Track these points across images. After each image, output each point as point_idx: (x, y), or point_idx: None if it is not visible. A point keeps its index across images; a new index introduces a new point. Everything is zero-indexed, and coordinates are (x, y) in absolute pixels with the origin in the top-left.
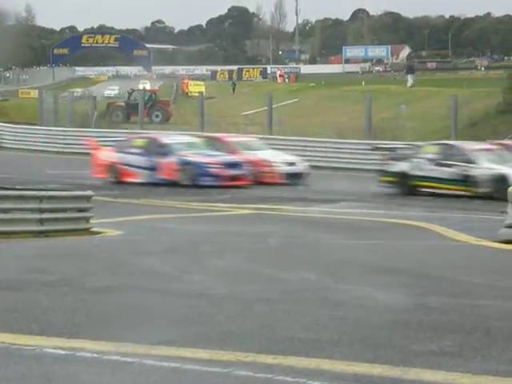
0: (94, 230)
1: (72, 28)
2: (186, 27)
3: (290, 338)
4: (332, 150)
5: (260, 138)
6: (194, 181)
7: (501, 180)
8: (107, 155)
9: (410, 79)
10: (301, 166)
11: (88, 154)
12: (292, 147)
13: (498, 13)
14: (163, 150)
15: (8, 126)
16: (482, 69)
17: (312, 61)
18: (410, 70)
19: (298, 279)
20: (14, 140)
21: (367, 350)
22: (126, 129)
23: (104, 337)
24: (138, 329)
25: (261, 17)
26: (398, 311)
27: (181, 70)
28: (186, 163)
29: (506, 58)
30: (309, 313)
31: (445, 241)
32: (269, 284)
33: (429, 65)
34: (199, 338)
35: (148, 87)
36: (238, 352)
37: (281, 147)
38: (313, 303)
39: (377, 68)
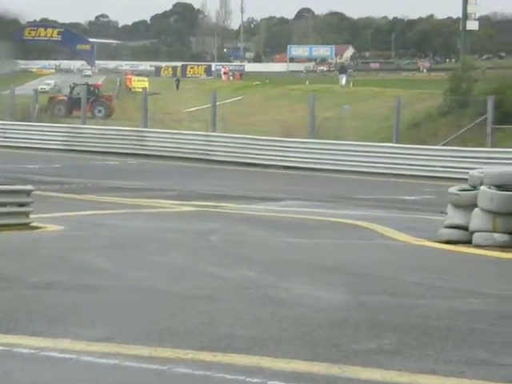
0: (34, 224)
1: (14, 21)
2: (130, 22)
3: (230, 336)
4: (277, 148)
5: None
6: None
7: None
8: None
9: (342, 79)
10: None
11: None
12: (235, 144)
13: (440, 15)
14: None
15: None
16: (424, 70)
17: (257, 59)
18: (343, 70)
19: (240, 277)
20: None
21: (307, 347)
22: (68, 123)
23: (42, 333)
24: (76, 325)
25: (206, 14)
26: (338, 309)
27: (124, 65)
28: None
29: (447, 60)
30: (249, 310)
31: (386, 240)
32: (210, 281)
33: (372, 65)
34: (139, 334)
35: (52, 85)
36: (177, 349)
37: (223, 144)
38: (253, 301)
39: (321, 67)
